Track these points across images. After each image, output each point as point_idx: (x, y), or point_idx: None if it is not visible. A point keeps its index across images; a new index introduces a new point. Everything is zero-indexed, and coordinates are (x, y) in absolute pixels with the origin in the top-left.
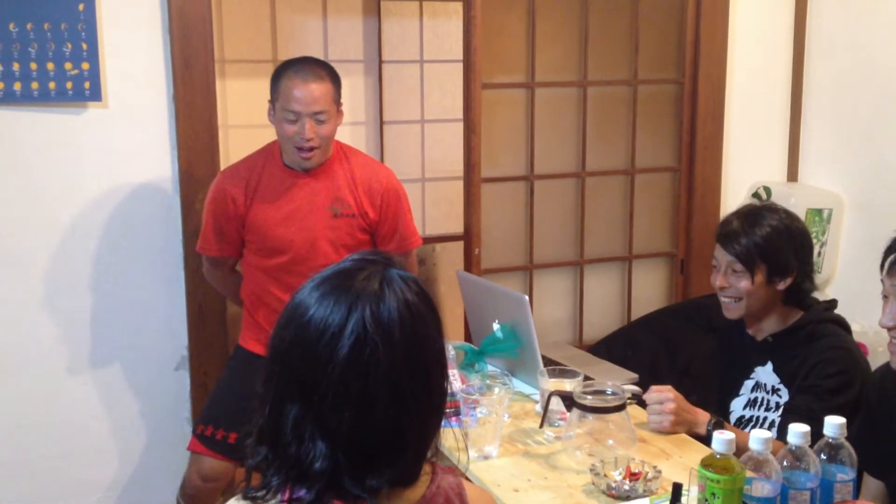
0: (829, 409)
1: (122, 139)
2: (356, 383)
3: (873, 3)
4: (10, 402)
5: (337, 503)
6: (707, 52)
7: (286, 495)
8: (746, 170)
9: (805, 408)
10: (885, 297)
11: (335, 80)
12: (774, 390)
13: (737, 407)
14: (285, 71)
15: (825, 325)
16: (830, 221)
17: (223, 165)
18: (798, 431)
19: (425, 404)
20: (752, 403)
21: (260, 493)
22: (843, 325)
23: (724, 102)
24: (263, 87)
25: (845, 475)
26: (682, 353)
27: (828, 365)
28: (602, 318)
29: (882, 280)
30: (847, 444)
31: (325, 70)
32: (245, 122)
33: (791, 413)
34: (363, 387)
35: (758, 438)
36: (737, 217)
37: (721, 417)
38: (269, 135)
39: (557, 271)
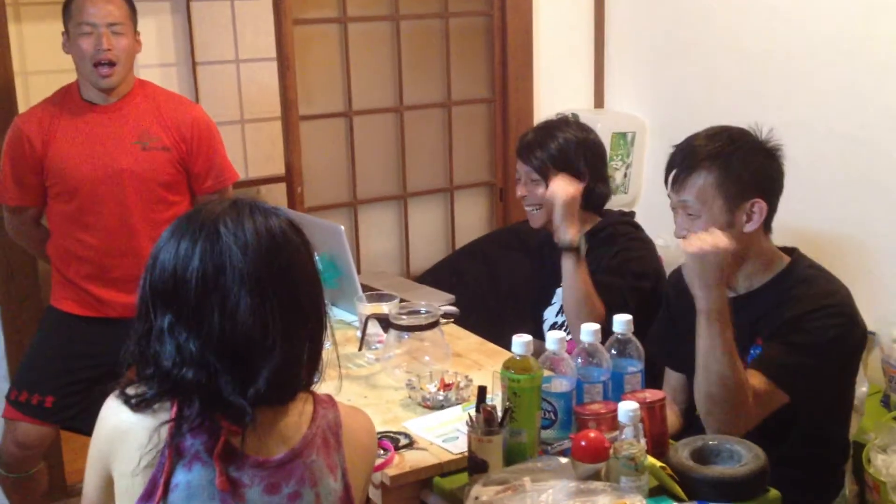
0: (631, 288)
1: None
2: (216, 284)
3: None
4: None
5: (223, 422)
6: None
7: (173, 412)
8: (557, 99)
9: (607, 284)
10: (674, 209)
11: (129, 2)
12: (594, 281)
13: (549, 315)
14: None
15: (622, 226)
16: (634, 144)
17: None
18: (588, 330)
19: (294, 312)
20: (563, 310)
21: (133, 399)
22: (637, 227)
23: (532, 34)
24: (62, 28)
25: (634, 367)
26: (503, 277)
27: (630, 251)
28: (427, 250)
29: (669, 195)
30: (634, 338)
31: None
32: (46, 68)
33: (597, 287)
34: (223, 287)
35: (553, 339)
36: (533, 132)
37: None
38: (72, 79)
39: (382, 206)
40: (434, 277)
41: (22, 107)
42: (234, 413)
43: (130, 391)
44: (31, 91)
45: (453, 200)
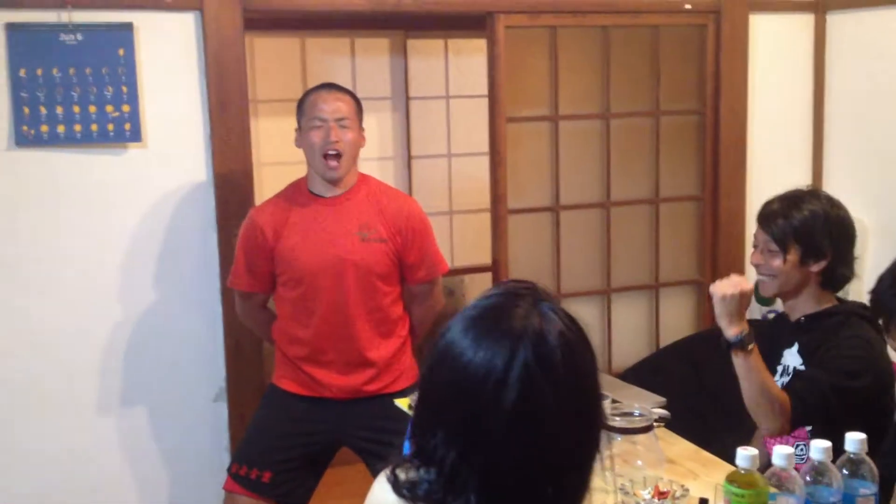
0: (836, 388)
1: (161, 178)
2: (525, 428)
3: (890, 23)
4: (44, 435)
5: None
6: (728, 83)
7: None
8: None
9: (809, 376)
10: None
11: (357, 100)
12: (797, 373)
13: None
14: (309, 92)
15: (857, 318)
16: (855, 247)
17: (258, 201)
18: (819, 447)
19: (593, 431)
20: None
21: (400, 485)
22: (874, 324)
23: (747, 132)
24: (294, 124)
25: (867, 489)
26: (710, 378)
27: (848, 348)
28: (631, 346)
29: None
30: (868, 459)
31: (346, 90)
32: (277, 160)
33: (798, 378)
34: (531, 433)
35: (781, 454)
36: (779, 200)
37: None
38: (300, 171)
39: (585, 300)
40: (637, 374)
41: (257, 194)
42: None
43: (401, 474)
44: (264, 181)
45: (658, 298)
